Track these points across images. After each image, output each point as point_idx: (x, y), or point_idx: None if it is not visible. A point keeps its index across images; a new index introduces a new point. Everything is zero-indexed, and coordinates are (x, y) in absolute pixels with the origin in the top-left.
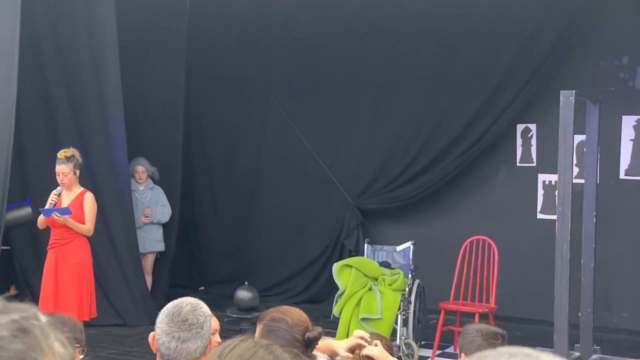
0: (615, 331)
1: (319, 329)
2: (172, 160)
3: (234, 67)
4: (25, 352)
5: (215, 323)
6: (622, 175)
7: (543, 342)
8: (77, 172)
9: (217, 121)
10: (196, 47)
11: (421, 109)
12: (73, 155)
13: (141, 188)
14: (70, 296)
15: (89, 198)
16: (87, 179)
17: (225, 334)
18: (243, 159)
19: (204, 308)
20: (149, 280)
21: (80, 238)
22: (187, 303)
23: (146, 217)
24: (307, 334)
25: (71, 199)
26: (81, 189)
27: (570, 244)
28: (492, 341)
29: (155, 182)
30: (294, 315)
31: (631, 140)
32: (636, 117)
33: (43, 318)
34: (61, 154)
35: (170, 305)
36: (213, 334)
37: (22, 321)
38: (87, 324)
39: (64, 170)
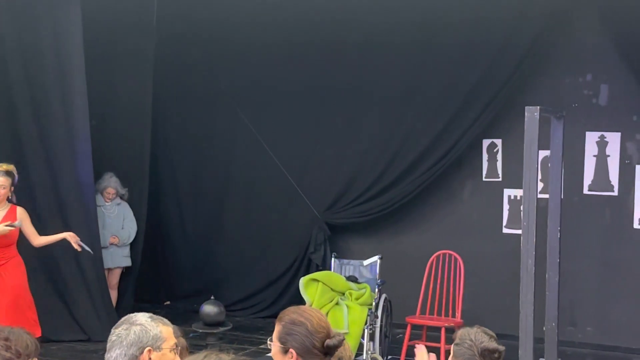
0: (580, 345)
1: (340, 336)
2: (138, 175)
3: (201, 81)
4: None
5: (179, 341)
6: (585, 191)
7: (508, 356)
8: (12, 188)
9: (184, 135)
10: (164, 61)
11: (389, 124)
12: (12, 171)
13: (108, 204)
14: (9, 317)
15: (24, 211)
16: (51, 192)
17: (191, 349)
18: (210, 174)
19: (140, 319)
20: (114, 295)
21: (15, 258)
22: (130, 314)
23: (114, 239)
24: (327, 341)
25: (3, 215)
26: (9, 204)
27: (535, 258)
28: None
29: (122, 198)
30: (315, 320)
31: (594, 156)
32: (599, 134)
33: None
34: (2, 167)
35: None
36: (165, 349)
37: None
38: (50, 340)
39: (2, 183)
